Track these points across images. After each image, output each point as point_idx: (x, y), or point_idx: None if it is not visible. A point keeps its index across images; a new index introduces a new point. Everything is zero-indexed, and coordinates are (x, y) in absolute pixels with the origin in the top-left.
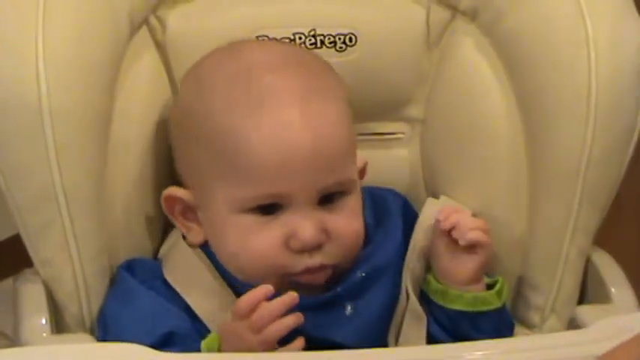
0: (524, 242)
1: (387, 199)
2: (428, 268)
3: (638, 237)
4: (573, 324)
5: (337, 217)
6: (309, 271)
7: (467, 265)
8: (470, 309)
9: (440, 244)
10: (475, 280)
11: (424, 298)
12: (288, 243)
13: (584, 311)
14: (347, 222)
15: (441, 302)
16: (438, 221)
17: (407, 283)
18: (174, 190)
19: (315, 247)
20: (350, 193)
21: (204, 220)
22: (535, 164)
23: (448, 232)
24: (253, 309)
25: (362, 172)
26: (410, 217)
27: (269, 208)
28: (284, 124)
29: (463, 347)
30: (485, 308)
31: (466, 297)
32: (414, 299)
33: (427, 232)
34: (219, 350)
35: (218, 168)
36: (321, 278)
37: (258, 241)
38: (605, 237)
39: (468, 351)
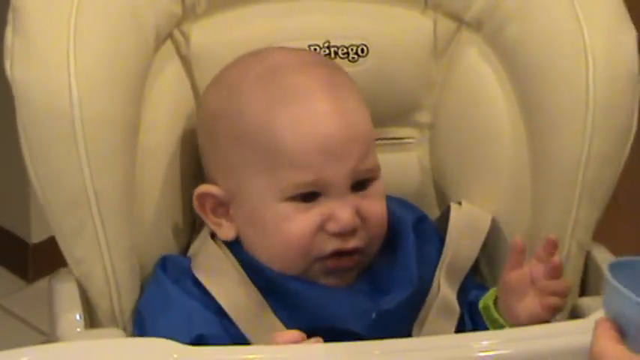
0: (529, 238)
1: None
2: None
3: (635, 234)
4: (575, 314)
5: (369, 202)
6: (338, 253)
7: (528, 315)
8: None
9: (512, 277)
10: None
11: (472, 307)
12: (324, 226)
13: (585, 302)
14: (378, 206)
15: (487, 322)
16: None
17: (440, 278)
18: (206, 188)
19: (351, 232)
20: (377, 178)
21: (236, 215)
22: (537, 165)
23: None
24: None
25: None
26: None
27: (308, 196)
28: (318, 115)
29: (469, 337)
30: None
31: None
32: (446, 294)
33: (461, 235)
34: None
35: (255, 162)
36: (350, 262)
37: (295, 224)
38: (604, 235)
39: (475, 340)
